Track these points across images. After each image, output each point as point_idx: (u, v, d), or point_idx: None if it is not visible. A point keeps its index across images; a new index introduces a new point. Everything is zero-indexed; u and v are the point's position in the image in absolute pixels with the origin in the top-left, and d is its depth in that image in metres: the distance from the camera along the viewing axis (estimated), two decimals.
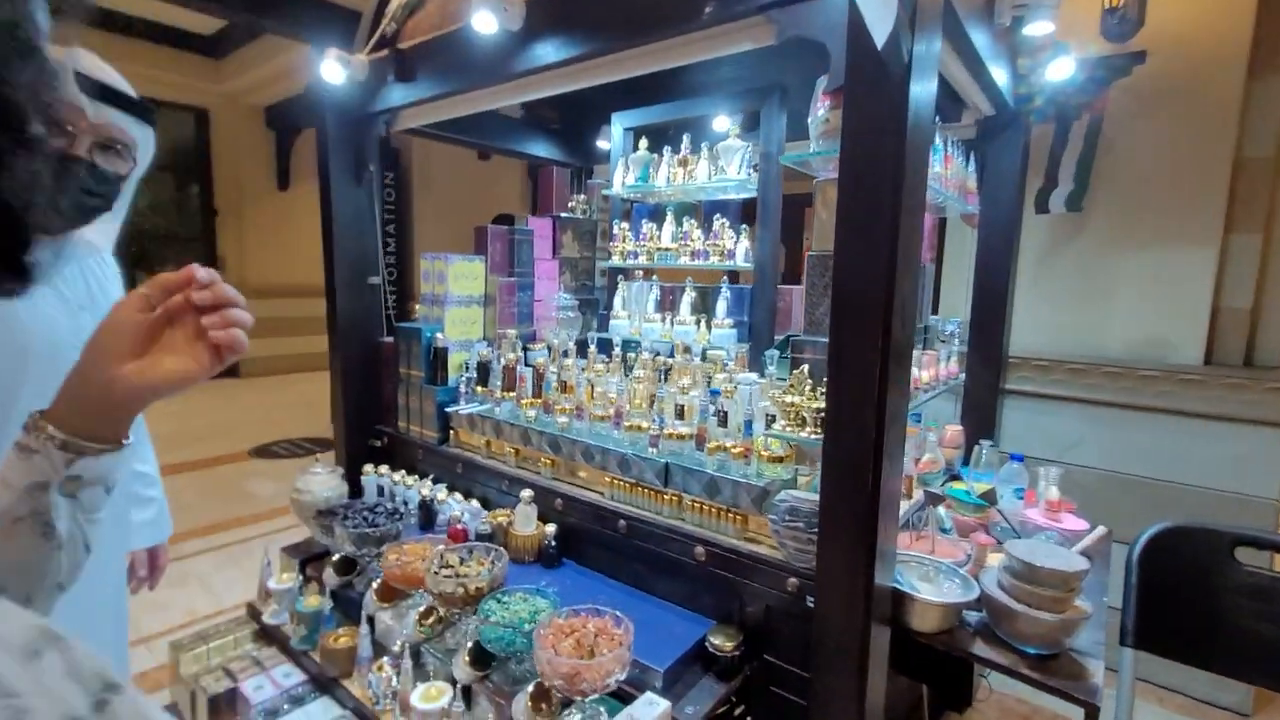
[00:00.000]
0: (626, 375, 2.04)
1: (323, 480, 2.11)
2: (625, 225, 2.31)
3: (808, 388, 1.39)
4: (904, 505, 1.53)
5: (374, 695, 1.59)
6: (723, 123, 2.15)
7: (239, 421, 6.20)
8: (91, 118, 1.06)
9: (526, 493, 1.81)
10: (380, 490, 2.21)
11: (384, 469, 2.22)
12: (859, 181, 1.13)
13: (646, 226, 2.21)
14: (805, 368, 1.43)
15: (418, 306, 2.42)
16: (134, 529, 1.42)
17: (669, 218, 2.19)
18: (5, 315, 1.00)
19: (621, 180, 2.27)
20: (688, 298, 2.10)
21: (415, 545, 1.80)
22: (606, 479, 1.75)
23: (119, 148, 1.14)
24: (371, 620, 1.74)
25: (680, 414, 1.68)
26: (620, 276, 2.32)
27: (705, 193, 2.13)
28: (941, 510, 1.71)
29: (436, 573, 1.55)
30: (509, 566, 1.77)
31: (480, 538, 1.85)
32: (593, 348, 2.10)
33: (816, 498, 1.25)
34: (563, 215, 2.61)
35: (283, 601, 1.95)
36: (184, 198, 8.74)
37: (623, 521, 1.66)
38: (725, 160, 1.97)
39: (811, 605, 1.28)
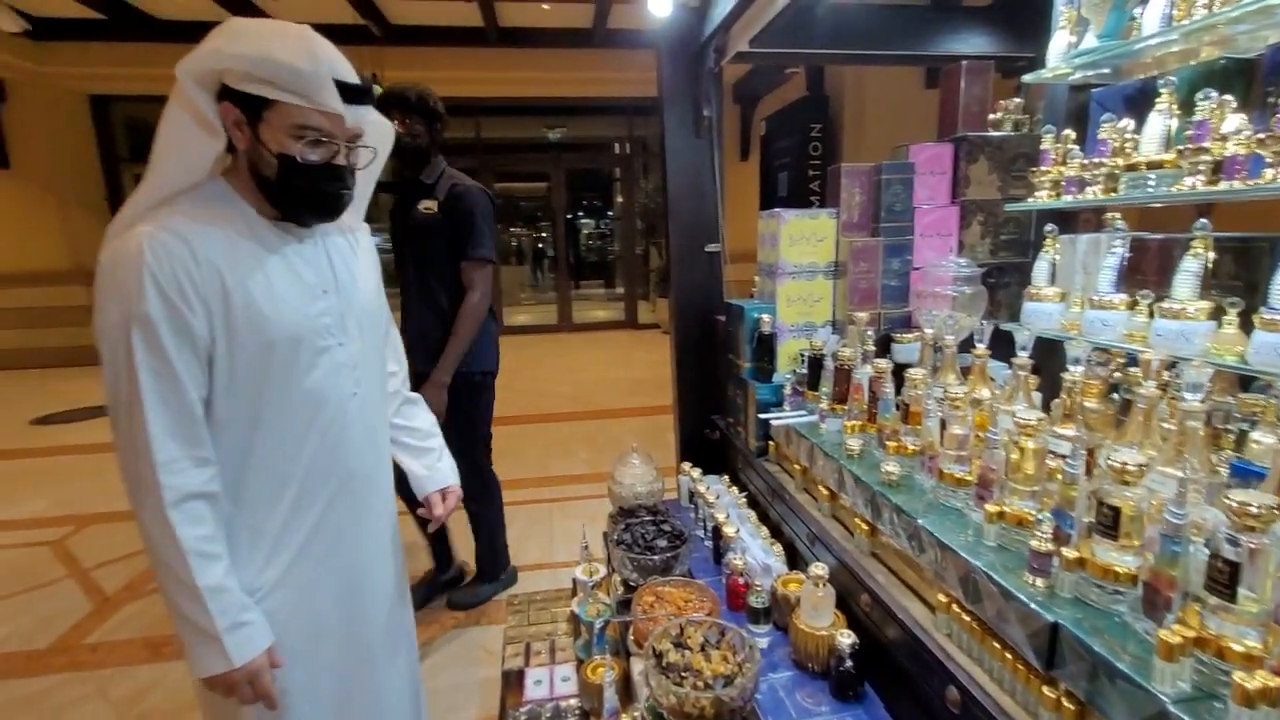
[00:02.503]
0: (1038, 407, 1.17)
1: (636, 473, 1.92)
2: (1069, 135, 1.29)
3: None
4: None
5: None
6: None
7: None
8: (349, 122, 1.00)
9: (818, 569, 1.19)
10: (690, 496, 1.90)
11: (696, 472, 1.89)
12: None
13: (1109, 130, 1.16)
14: None
15: (756, 279, 1.97)
16: (420, 480, 1.42)
17: (1163, 99, 1.09)
18: (251, 310, 1.02)
19: (1064, 47, 1.25)
20: (1193, 263, 1.01)
21: (680, 590, 1.42)
22: (940, 595, 0.99)
23: (356, 144, 1.08)
24: (629, 659, 1.46)
25: (1111, 523, 0.78)
26: (1050, 228, 1.33)
27: (1269, 23, 0.97)
28: None
29: (658, 655, 1.14)
30: (789, 673, 1.22)
31: (757, 612, 1.33)
32: (979, 348, 1.26)
33: None
34: (971, 135, 1.70)
35: (585, 594, 1.86)
36: None
37: (954, 689, 0.90)
38: None
39: None
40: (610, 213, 15.36)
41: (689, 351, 2.15)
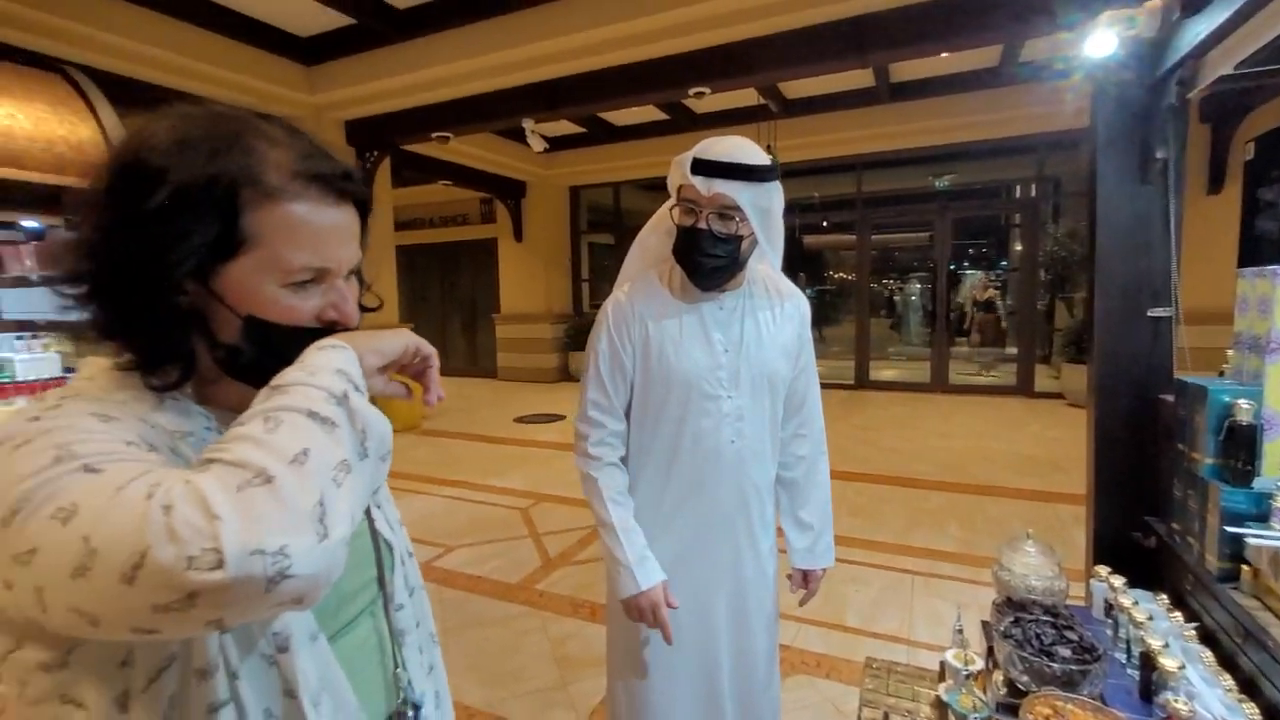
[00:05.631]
0: None
1: (1031, 563, 1.70)
2: None
3: None
4: None
5: None
6: None
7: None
8: (705, 193, 1.25)
9: None
10: (1108, 609, 1.57)
11: (1118, 580, 1.56)
12: None
13: None
14: None
15: (1229, 353, 1.54)
16: (795, 552, 1.58)
17: None
18: (662, 357, 1.34)
19: None
20: None
21: (1089, 714, 1.21)
22: None
23: (728, 212, 1.28)
24: None
25: None
26: None
27: None
28: None
29: None
30: None
31: None
32: None
33: None
34: None
35: (957, 682, 1.71)
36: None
37: None
38: None
39: None
40: (1004, 263, 13.57)
41: (1115, 434, 1.80)
